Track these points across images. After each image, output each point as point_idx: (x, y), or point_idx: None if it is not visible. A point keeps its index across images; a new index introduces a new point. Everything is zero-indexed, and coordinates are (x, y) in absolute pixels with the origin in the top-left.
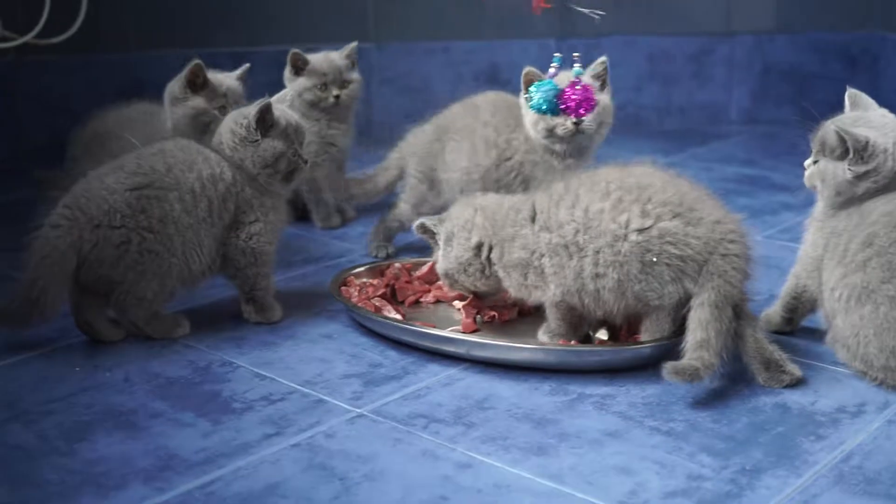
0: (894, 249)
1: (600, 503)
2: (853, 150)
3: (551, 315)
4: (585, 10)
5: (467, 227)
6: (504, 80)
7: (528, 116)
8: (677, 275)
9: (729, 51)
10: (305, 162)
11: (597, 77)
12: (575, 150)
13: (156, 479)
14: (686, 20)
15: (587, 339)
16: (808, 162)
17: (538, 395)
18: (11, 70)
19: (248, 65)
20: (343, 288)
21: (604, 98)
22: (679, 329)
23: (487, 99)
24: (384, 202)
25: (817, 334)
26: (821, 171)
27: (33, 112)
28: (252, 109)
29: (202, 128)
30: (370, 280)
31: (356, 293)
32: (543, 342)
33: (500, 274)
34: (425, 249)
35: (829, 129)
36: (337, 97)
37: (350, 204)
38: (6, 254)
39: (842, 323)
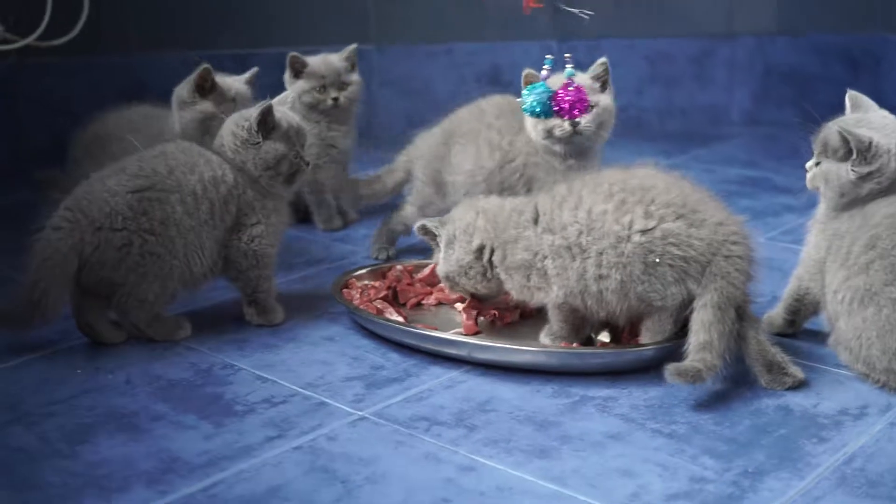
0: None
1: None
2: (856, 150)
3: (553, 317)
4: (575, 10)
5: (469, 230)
6: (506, 81)
7: (529, 118)
8: (680, 276)
9: (730, 52)
10: (307, 164)
11: (597, 78)
12: (575, 151)
13: (158, 481)
14: (687, 22)
15: (589, 342)
16: (809, 164)
17: (540, 398)
18: (13, 72)
19: (256, 69)
20: (345, 290)
21: (604, 99)
22: (681, 331)
23: (493, 102)
24: (387, 205)
25: (820, 336)
26: (824, 173)
27: (34, 114)
28: (253, 112)
29: (211, 132)
30: (372, 282)
31: (358, 295)
32: (545, 344)
33: (503, 276)
34: (427, 251)
35: (831, 130)
36: (335, 99)
37: (359, 204)
38: (7, 256)
39: (844, 325)
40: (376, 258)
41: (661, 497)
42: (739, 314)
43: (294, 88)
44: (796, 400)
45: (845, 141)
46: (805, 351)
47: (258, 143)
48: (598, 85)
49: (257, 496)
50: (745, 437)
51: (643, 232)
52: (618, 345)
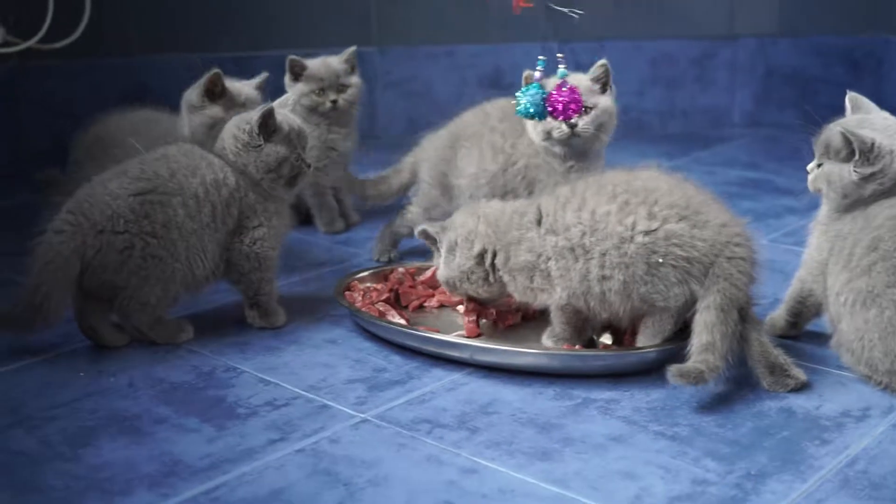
0: None
1: None
2: (859, 151)
3: (556, 319)
4: (564, 10)
5: (470, 237)
6: (508, 83)
7: (529, 120)
8: (683, 276)
9: (732, 54)
10: (309, 166)
11: (596, 80)
12: (574, 153)
13: (160, 484)
14: (689, 24)
15: (591, 344)
16: (811, 166)
17: (542, 400)
18: (14, 75)
19: (266, 74)
20: (347, 292)
21: (604, 101)
22: (682, 333)
23: (497, 105)
24: (390, 207)
25: (822, 338)
26: (826, 174)
27: (36, 116)
28: (254, 115)
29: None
30: (374, 285)
31: (360, 298)
32: (547, 347)
33: (506, 279)
34: (429, 254)
35: (833, 131)
36: (334, 102)
37: (366, 205)
38: (10, 258)
39: (846, 327)
40: (378, 260)
41: (663, 499)
42: (742, 316)
43: (293, 91)
44: (799, 402)
45: (848, 142)
46: (807, 353)
47: (259, 145)
48: (597, 87)
49: (260, 499)
50: (747, 440)
51: (646, 233)
52: (620, 347)
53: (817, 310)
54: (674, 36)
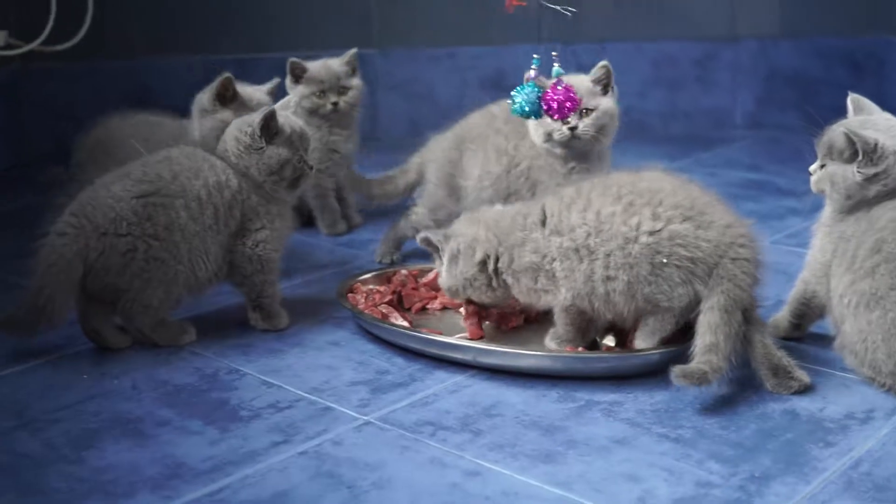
0: None
1: None
2: (862, 152)
3: (560, 320)
4: (558, 7)
5: (472, 244)
6: (510, 85)
7: (530, 121)
8: (687, 277)
9: (733, 56)
10: (311, 168)
11: (597, 81)
12: (576, 154)
13: (163, 487)
14: (690, 25)
15: (594, 346)
16: (813, 167)
17: (546, 402)
18: (17, 77)
19: (277, 79)
20: (349, 295)
21: (605, 102)
22: (684, 334)
23: (503, 107)
24: (394, 209)
25: (826, 340)
26: (829, 175)
27: (39, 119)
28: (256, 117)
29: None
30: (377, 287)
31: (363, 300)
32: (550, 349)
33: (509, 281)
34: (431, 256)
35: (837, 131)
36: (335, 104)
37: (371, 204)
38: (13, 261)
39: (850, 329)
40: (380, 262)
41: (666, 502)
42: (746, 317)
43: (294, 93)
44: (802, 404)
45: (851, 142)
46: (811, 354)
47: (261, 148)
48: (599, 88)
49: (262, 501)
50: (751, 442)
51: (651, 233)
52: (623, 349)
53: (821, 311)
54: (675, 37)
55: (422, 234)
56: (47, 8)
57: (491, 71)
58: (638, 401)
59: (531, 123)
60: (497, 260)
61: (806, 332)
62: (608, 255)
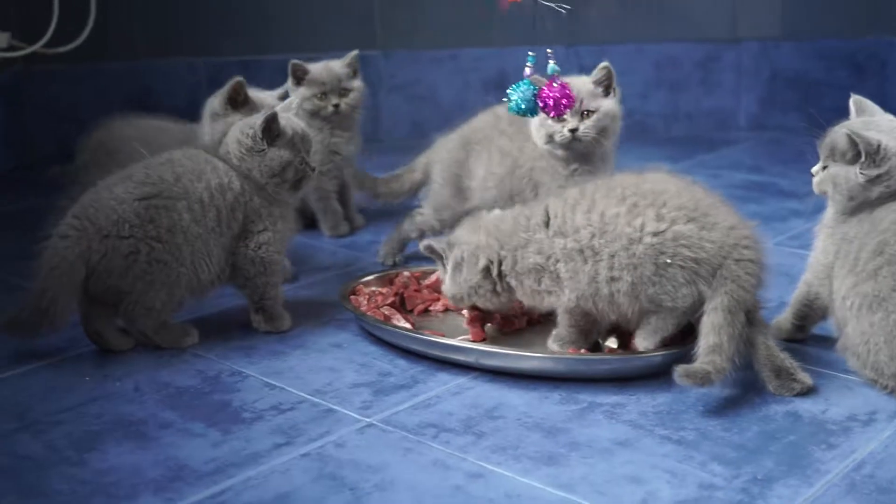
0: None
1: None
2: (865, 153)
3: (563, 321)
4: (552, 4)
5: (475, 252)
6: None
7: (532, 123)
8: (691, 277)
9: (736, 57)
10: (313, 170)
11: (598, 83)
12: (577, 156)
13: (166, 489)
14: (692, 27)
15: (597, 348)
16: (815, 168)
17: (548, 404)
18: (20, 79)
19: (289, 84)
20: (352, 297)
21: (606, 104)
22: (686, 336)
23: None
24: (397, 211)
25: (828, 342)
26: (832, 176)
27: (41, 121)
28: (257, 119)
29: None
30: (379, 289)
31: (365, 302)
32: (553, 351)
33: (513, 283)
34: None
35: (839, 132)
36: (336, 106)
37: (377, 202)
38: (15, 262)
39: (852, 331)
40: (383, 263)
41: None
42: (749, 319)
43: (296, 95)
44: (805, 406)
45: (854, 144)
46: (813, 356)
47: (263, 150)
48: (600, 90)
49: (265, 503)
50: (753, 444)
51: (655, 234)
52: (625, 351)
53: (823, 313)
54: (677, 39)
55: (425, 242)
56: (50, 10)
57: (493, 72)
58: (640, 403)
59: (533, 125)
60: (500, 264)
61: (808, 334)
62: (612, 256)
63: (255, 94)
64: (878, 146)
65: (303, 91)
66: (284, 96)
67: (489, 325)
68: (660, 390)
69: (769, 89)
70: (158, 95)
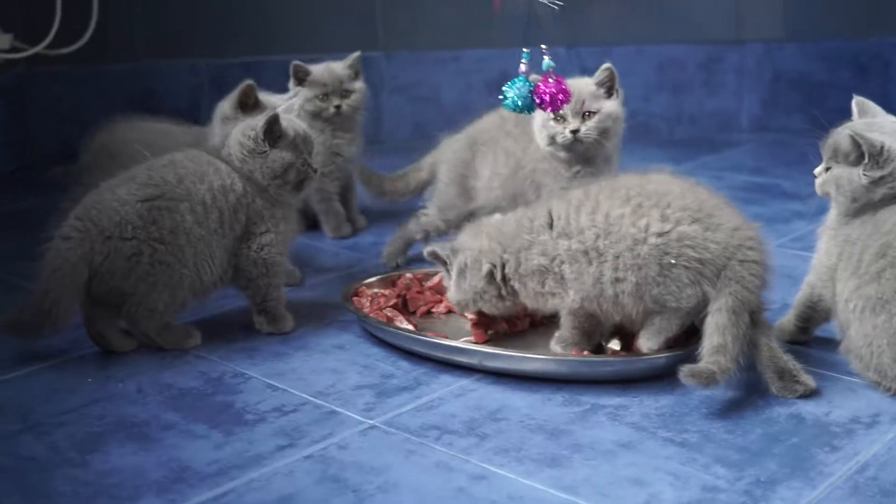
0: None
1: None
2: (868, 154)
3: (566, 323)
4: (545, 0)
5: (479, 258)
6: None
7: (535, 125)
8: (696, 278)
9: (739, 59)
10: (315, 171)
11: (600, 84)
12: (579, 158)
13: (168, 490)
14: (695, 28)
15: (599, 350)
16: (818, 170)
17: (551, 406)
18: (22, 80)
19: (300, 89)
20: (354, 298)
21: (608, 105)
22: (689, 339)
23: None
24: (401, 213)
25: (832, 344)
26: (835, 178)
27: (44, 122)
28: (259, 121)
29: None
30: (382, 290)
31: (368, 303)
32: (556, 352)
33: (516, 286)
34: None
35: (842, 134)
36: (338, 107)
37: (384, 199)
38: (16, 263)
39: (855, 333)
40: (385, 264)
41: None
42: (753, 320)
43: (297, 96)
44: (808, 408)
45: (857, 145)
46: (817, 358)
47: (265, 152)
48: (602, 91)
49: None
50: (756, 446)
51: (659, 234)
52: (628, 353)
53: (827, 315)
54: (680, 41)
55: (429, 249)
56: (52, 11)
57: (496, 74)
58: (643, 405)
59: (535, 127)
60: (503, 267)
61: (812, 336)
62: (617, 257)
63: (265, 97)
64: (882, 148)
65: (304, 92)
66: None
67: (491, 331)
68: (663, 392)
69: (772, 91)
70: (160, 97)
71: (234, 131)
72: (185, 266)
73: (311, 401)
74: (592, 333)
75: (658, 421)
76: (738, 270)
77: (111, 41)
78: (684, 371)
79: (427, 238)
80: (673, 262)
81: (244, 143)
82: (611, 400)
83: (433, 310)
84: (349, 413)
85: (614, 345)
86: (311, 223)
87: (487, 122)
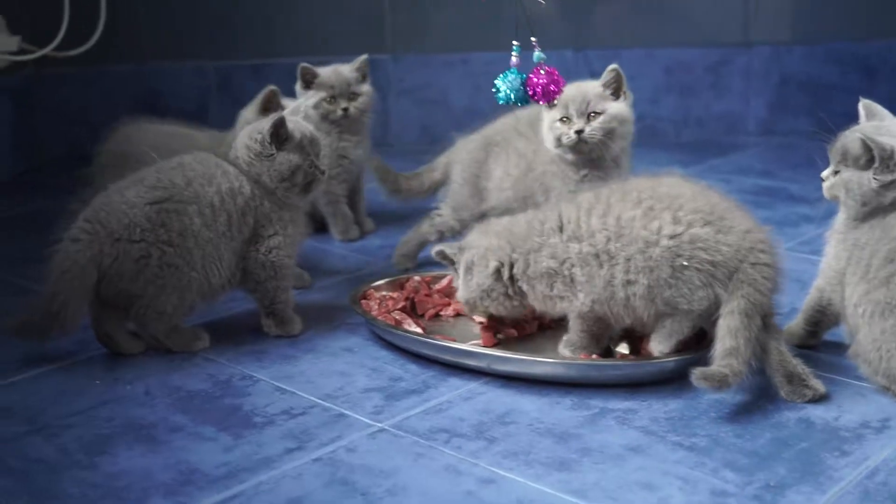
0: None
1: None
2: (879, 158)
3: (575, 326)
4: None
5: (486, 255)
6: None
7: (543, 126)
8: (708, 280)
9: (746, 62)
10: (323, 173)
11: (607, 85)
12: (586, 161)
13: (177, 493)
14: (703, 31)
15: (608, 353)
16: (825, 173)
17: (560, 410)
18: (30, 82)
19: (322, 94)
20: (363, 301)
21: (613, 107)
22: (699, 342)
23: (528, 112)
24: (408, 216)
25: (841, 348)
26: (844, 182)
27: (52, 124)
28: (265, 124)
29: None
30: (390, 293)
31: (376, 306)
32: (565, 356)
33: (525, 288)
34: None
35: (852, 137)
36: (345, 110)
37: (398, 198)
38: (26, 265)
39: (864, 337)
40: (395, 266)
41: None
42: (763, 324)
43: (304, 99)
44: (817, 413)
45: (868, 149)
46: (826, 363)
47: (272, 154)
48: (608, 92)
49: None
50: (766, 451)
51: (671, 237)
52: (637, 357)
53: (836, 319)
54: (688, 44)
55: (436, 249)
56: (60, 13)
57: None
58: (652, 409)
59: (543, 129)
60: (511, 267)
61: (821, 340)
62: (628, 260)
63: (288, 103)
64: (893, 151)
65: (311, 95)
66: (317, 104)
67: (500, 334)
68: (672, 396)
69: (779, 93)
70: (167, 99)
71: (241, 134)
72: (193, 269)
73: (320, 403)
74: (601, 337)
75: (667, 425)
76: (751, 273)
77: (119, 43)
78: (696, 374)
79: (441, 238)
80: (685, 263)
81: (251, 146)
82: (619, 404)
83: (441, 313)
84: (358, 416)
85: (623, 348)
86: (318, 226)
87: (502, 123)
